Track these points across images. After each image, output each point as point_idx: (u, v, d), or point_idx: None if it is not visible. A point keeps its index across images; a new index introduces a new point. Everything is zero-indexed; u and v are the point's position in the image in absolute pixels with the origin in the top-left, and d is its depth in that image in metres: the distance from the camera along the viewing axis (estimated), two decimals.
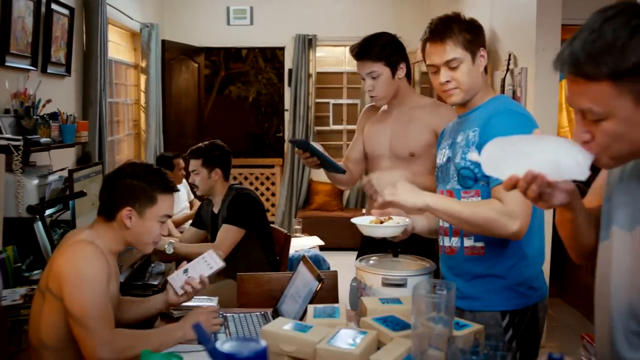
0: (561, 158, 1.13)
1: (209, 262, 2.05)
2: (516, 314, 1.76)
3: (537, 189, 1.14)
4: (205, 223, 3.30)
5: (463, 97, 1.81)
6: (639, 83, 1.03)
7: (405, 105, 2.44)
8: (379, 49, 2.36)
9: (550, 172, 1.13)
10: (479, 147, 1.64)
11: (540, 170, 1.13)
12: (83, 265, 1.71)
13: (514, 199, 1.59)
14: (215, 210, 3.18)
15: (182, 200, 4.72)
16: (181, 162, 4.56)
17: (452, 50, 1.77)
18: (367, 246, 2.37)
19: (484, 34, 1.84)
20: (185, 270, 2.02)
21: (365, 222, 1.91)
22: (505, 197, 1.63)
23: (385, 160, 2.44)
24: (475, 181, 1.76)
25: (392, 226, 1.88)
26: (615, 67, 1.02)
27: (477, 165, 1.70)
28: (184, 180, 4.30)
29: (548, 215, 3.86)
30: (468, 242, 1.80)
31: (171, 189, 1.92)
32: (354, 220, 1.93)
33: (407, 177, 1.98)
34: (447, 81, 1.79)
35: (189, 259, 3.06)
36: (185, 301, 2.00)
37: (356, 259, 2.07)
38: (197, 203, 4.14)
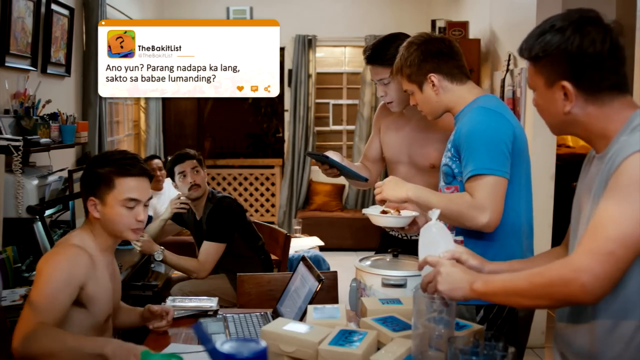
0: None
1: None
2: (491, 309, 1.78)
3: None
4: (186, 222, 3.35)
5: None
6: (545, 69, 1.31)
7: None
8: (390, 53, 2.14)
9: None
10: (454, 146, 1.83)
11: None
12: (56, 262, 1.72)
13: (484, 192, 1.72)
14: (198, 216, 3.21)
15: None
16: (153, 163, 4.39)
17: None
18: (386, 245, 2.36)
19: (428, 59, 1.89)
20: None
21: (375, 212, 1.97)
22: (475, 191, 1.73)
23: (404, 167, 2.30)
24: (454, 178, 1.85)
25: (395, 217, 1.93)
26: (528, 53, 1.34)
27: (455, 162, 1.84)
28: (169, 182, 4.01)
29: (548, 216, 3.88)
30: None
31: (128, 171, 1.82)
32: (365, 210, 2.03)
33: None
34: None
35: (175, 268, 3.11)
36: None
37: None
38: None
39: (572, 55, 1.26)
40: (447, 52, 1.89)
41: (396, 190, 1.84)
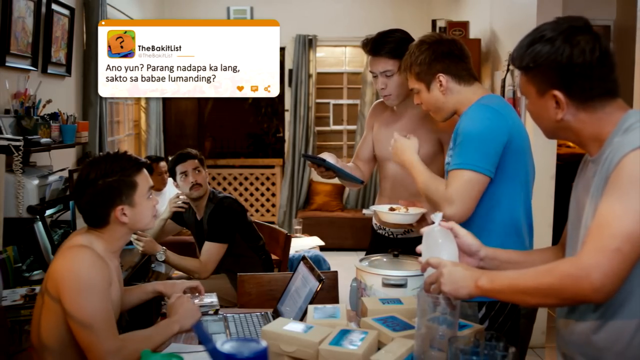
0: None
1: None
2: (493, 306, 1.80)
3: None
4: (187, 222, 3.35)
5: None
6: (536, 79, 1.33)
7: (416, 109, 2.21)
8: (394, 45, 2.20)
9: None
10: (453, 142, 1.86)
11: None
12: (83, 272, 1.69)
13: (456, 186, 1.77)
14: (199, 216, 3.21)
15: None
16: (161, 166, 4.42)
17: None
18: (375, 245, 2.37)
19: (435, 56, 1.92)
20: None
21: (383, 209, 2.00)
22: (449, 183, 1.80)
23: (392, 164, 2.31)
24: None
25: (403, 214, 1.94)
26: (519, 62, 1.36)
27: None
28: (170, 182, 4.03)
29: (548, 216, 3.88)
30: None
31: (139, 164, 1.87)
32: (373, 207, 2.08)
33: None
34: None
35: (177, 268, 3.10)
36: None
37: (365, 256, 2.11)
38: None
39: (562, 66, 1.28)
40: (457, 53, 1.91)
41: (401, 154, 1.99)
